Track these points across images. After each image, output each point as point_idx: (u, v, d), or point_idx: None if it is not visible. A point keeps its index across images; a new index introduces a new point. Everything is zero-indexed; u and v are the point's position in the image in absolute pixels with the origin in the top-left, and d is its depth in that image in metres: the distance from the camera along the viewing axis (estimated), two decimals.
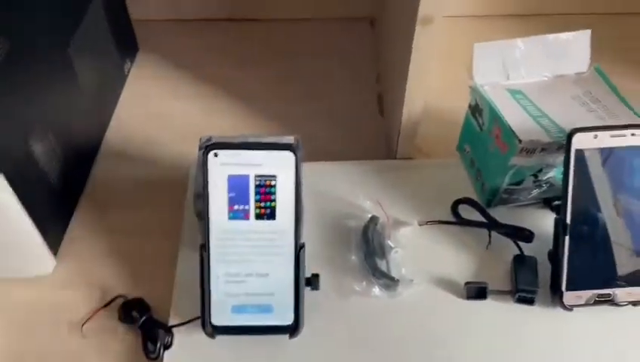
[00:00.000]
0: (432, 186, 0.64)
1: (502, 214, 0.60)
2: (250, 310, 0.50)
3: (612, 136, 0.51)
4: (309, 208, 0.55)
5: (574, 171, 0.51)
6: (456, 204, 0.61)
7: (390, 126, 0.70)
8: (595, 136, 0.51)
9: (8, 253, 0.57)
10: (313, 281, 0.52)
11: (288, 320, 0.50)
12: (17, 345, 0.54)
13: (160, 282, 0.56)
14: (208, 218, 0.49)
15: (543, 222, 0.59)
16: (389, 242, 0.58)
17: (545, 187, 0.59)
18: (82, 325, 0.55)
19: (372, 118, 0.76)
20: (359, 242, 0.59)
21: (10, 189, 0.51)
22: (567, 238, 0.52)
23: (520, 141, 0.53)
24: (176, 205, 0.63)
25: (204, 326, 0.50)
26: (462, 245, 0.59)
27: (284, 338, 0.51)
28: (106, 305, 0.56)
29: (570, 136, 0.51)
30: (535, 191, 0.60)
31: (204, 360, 0.51)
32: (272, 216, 0.49)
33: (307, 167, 0.52)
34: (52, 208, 0.60)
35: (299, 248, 0.49)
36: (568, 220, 0.51)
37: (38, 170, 0.57)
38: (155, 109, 0.77)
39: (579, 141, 0.51)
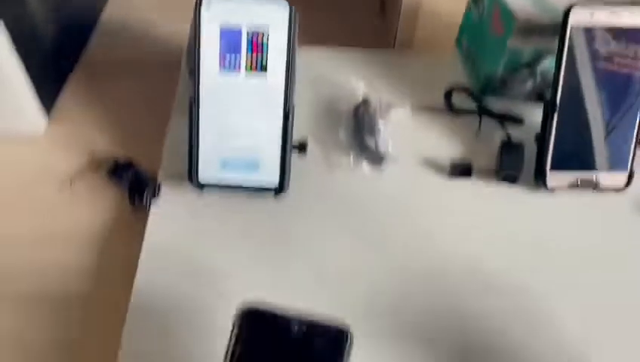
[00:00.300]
0: (427, 76, 0.64)
1: (495, 106, 0.60)
2: (237, 166, 0.50)
3: (609, 15, 0.50)
4: (302, 94, 0.56)
5: (568, 49, 0.51)
6: (449, 92, 0.61)
7: (390, 20, 0.70)
8: (592, 15, 0.50)
9: (1, 111, 0.57)
10: (302, 145, 0.52)
11: (274, 178, 0.51)
12: (9, 198, 0.55)
13: (150, 147, 0.57)
14: (199, 71, 0.49)
15: (534, 114, 0.59)
16: (379, 123, 0.58)
17: (539, 79, 0.59)
18: (72, 182, 0.56)
19: (372, 14, 0.75)
20: (350, 121, 0.59)
21: (7, 41, 0.51)
22: (555, 117, 0.52)
23: (517, 20, 0.53)
24: (170, 80, 0.63)
25: (191, 180, 0.51)
26: (452, 132, 0.60)
27: (270, 197, 0.52)
28: (95, 165, 0.57)
29: (566, 13, 0.50)
30: (529, 84, 0.60)
31: (190, 214, 0.52)
32: (263, 71, 0.49)
33: (303, 52, 0.51)
34: (47, 69, 0.60)
35: (289, 107, 0.49)
36: (558, 100, 0.51)
37: (34, 27, 0.57)
38: None
39: (575, 18, 0.50)
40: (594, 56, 0.51)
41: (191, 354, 0.44)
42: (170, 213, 0.52)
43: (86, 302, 0.48)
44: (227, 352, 0.33)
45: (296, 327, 0.34)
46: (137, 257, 0.49)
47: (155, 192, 0.52)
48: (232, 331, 0.34)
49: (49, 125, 0.60)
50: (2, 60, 0.53)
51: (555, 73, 0.51)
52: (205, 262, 0.49)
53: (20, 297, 0.48)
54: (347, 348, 0.34)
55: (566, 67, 0.51)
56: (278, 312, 0.34)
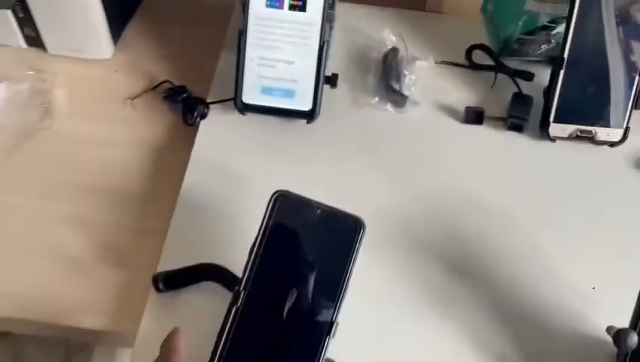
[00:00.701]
0: (452, 37, 0.70)
1: (510, 65, 0.66)
2: (276, 93, 0.58)
3: None
4: (337, 40, 0.63)
5: (578, 9, 0.56)
6: (470, 49, 0.68)
7: None
8: None
9: (77, 34, 0.66)
10: (333, 79, 0.59)
11: (307, 105, 0.58)
12: (78, 106, 0.64)
13: (202, 76, 0.65)
14: (248, 5, 0.57)
15: (546, 75, 0.65)
16: (405, 71, 0.65)
17: (553, 43, 0.65)
18: (132, 99, 0.64)
19: None
20: (378, 67, 0.66)
21: None
22: (561, 73, 0.58)
23: None
24: (224, 22, 0.70)
25: (235, 103, 0.59)
26: (469, 84, 0.66)
27: (302, 123, 0.59)
28: (154, 87, 0.65)
29: None
30: (544, 47, 0.66)
31: (234, 132, 0.60)
32: (303, 8, 0.56)
33: (341, 7, 0.58)
34: (117, 5, 0.68)
35: (323, 42, 0.57)
36: (566, 55, 0.57)
37: None
38: None
39: None
40: (603, 16, 0.57)
41: (226, 243, 0.52)
42: (216, 130, 0.60)
43: (141, 196, 0.57)
44: (261, 225, 0.41)
45: (319, 211, 0.41)
46: (186, 164, 0.57)
47: (203, 113, 0.61)
48: (266, 209, 0.41)
49: (115, 52, 0.69)
50: None
51: (565, 31, 0.57)
52: (242, 172, 0.57)
53: (83, 187, 0.57)
54: (360, 235, 0.41)
55: (575, 27, 0.57)
56: (305, 198, 0.42)
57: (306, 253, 0.40)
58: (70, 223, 0.55)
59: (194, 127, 0.60)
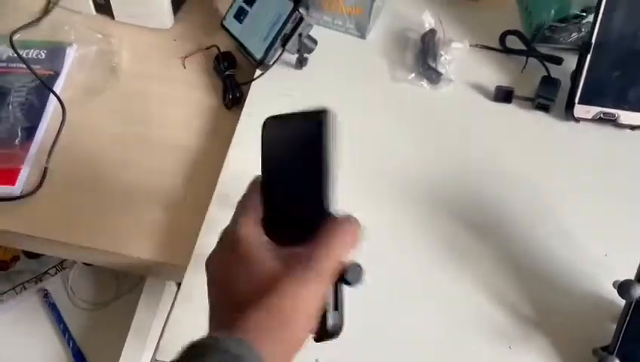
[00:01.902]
0: (488, 23, 0.74)
1: (542, 51, 0.70)
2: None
3: None
4: (379, 21, 0.68)
5: None
6: (504, 34, 0.72)
7: None
8: None
9: (142, 4, 0.73)
10: (300, 58, 0.67)
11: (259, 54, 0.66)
12: (142, 68, 0.71)
13: None
14: None
15: (575, 62, 0.69)
16: (441, 51, 0.70)
17: (583, 32, 0.69)
18: (184, 58, 0.71)
19: None
20: (416, 46, 0.71)
21: None
22: (588, 57, 0.62)
23: None
24: None
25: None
26: (501, 67, 0.71)
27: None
28: (205, 49, 0.72)
29: None
30: (574, 35, 0.70)
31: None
32: None
33: None
34: None
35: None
36: (593, 40, 0.61)
37: None
38: None
39: None
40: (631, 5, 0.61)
41: None
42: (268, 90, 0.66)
43: (193, 149, 0.64)
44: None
45: (293, 119, 0.41)
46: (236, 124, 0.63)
47: (237, 97, 0.67)
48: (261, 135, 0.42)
49: (174, 23, 0.75)
50: None
51: (593, 17, 0.61)
52: None
53: (142, 138, 0.64)
54: (327, 118, 0.39)
55: (603, 14, 0.61)
56: (283, 114, 0.42)
57: (301, 156, 0.41)
58: (128, 168, 0.62)
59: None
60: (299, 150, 0.42)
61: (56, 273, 0.82)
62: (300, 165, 0.41)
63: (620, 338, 0.46)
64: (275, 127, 0.43)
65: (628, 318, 0.46)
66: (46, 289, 0.81)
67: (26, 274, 0.82)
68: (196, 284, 0.53)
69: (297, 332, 0.34)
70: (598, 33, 0.61)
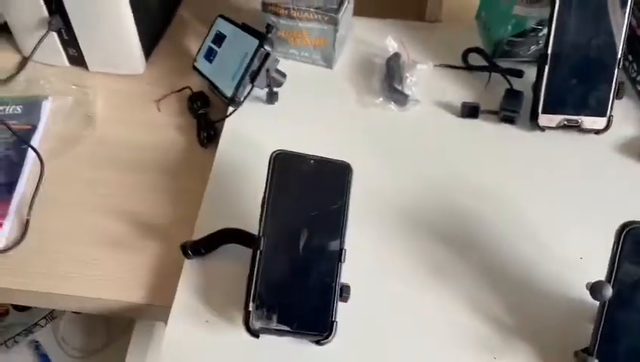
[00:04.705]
0: (450, 43, 0.77)
1: (503, 65, 0.73)
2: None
3: None
4: (346, 49, 0.71)
5: (558, 11, 0.63)
6: (466, 52, 0.74)
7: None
8: None
9: (114, 53, 0.75)
10: (269, 93, 0.68)
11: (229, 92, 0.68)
12: (117, 115, 0.72)
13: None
14: None
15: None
16: (406, 74, 0.72)
17: (541, 44, 0.72)
18: (158, 101, 0.73)
19: None
20: (381, 70, 0.73)
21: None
22: (546, 68, 0.64)
23: None
24: None
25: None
26: (465, 84, 0.73)
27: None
28: (178, 91, 0.73)
29: None
30: (533, 48, 0.73)
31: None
32: None
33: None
34: (150, 24, 0.77)
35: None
36: (549, 51, 0.64)
37: None
38: None
39: None
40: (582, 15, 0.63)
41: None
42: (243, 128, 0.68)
43: (172, 190, 0.65)
44: (266, 181, 0.49)
45: (312, 162, 0.50)
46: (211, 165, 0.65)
47: (211, 135, 0.69)
48: (269, 166, 0.49)
49: (147, 68, 0.77)
50: (121, 15, 0.70)
51: (547, 29, 0.64)
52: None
53: (121, 183, 0.66)
54: (350, 175, 0.50)
55: (556, 26, 0.63)
56: (298, 152, 0.49)
57: (308, 197, 0.49)
58: (109, 213, 0.63)
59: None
60: (319, 191, 0.50)
61: (46, 323, 0.82)
62: (319, 204, 0.49)
63: (598, 339, 0.47)
64: (290, 164, 0.49)
65: (603, 319, 0.47)
66: (37, 341, 0.81)
67: (16, 327, 0.82)
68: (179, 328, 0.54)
69: None
70: (553, 44, 0.64)
